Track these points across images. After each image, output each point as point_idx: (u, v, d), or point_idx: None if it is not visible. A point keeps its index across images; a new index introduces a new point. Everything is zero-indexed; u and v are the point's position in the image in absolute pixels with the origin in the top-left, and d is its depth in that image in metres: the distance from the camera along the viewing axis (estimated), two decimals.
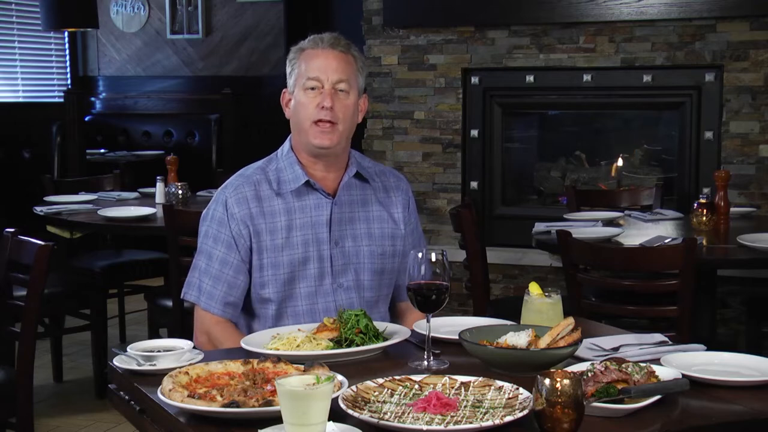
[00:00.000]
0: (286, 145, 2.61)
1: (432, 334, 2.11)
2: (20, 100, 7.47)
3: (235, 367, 1.92)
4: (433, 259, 2.09)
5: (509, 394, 1.77)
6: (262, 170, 2.56)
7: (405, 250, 2.61)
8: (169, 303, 4.21)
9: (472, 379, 1.85)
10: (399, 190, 2.66)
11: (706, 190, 5.13)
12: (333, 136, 2.50)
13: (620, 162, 5.89)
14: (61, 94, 6.85)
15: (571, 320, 2.04)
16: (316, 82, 2.49)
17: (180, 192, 4.59)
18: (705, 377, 1.91)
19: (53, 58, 7.82)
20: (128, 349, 2.07)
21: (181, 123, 7.47)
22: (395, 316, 2.68)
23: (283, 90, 2.59)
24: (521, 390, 1.77)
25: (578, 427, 1.58)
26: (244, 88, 7.20)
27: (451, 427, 1.62)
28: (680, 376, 1.86)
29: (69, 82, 7.86)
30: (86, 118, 7.30)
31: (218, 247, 2.50)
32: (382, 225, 2.60)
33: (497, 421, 1.63)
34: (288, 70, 2.58)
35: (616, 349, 2.12)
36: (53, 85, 7.81)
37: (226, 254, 2.49)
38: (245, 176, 2.56)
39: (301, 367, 1.88)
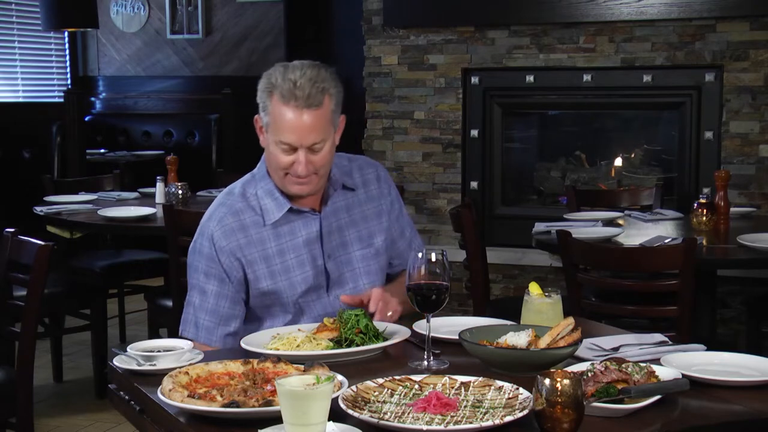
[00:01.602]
0: (262, 168, 2.52)
1: (432, 334, 2.11)
2: (20, 100, 7.47)
3: (235, 367, 1.92)
4: (433, 259, 2.09)
5: (509, 394, 1.77)
6: (242, 197, 2.48)
7: (394, 237, 2.63)
8: (169, 303, 4.21)
9: (472, 379, 1.85)
10: (378, 181, 2.62)
11: (706, 190, 5.13)
12: (310, 185, 2.42)
13: (620, 162, 5.89)
14: (61, 94, 6.85)
15: (571, 320, 2.04)
16: (289, 146, 2.37)
17: (180, 192, 4.59)
18: (705, 377, 1.91)
19: (53, 58, 7.82)
20: (128, 349, 2.07)
21: (181, 123, 7.46)
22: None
23: (256, 116, 2.46)
24: (521, 390, 1.77)
25: (578, 427, 1.58)
26: (244, 88, 7.14)
27: (451, 427, 1.62)
28: (680, 376, 1.86)
29: (69, 82, 7.86)
30: (86, 118, 7.30)
31: (210, 281, 2.44)
32: (369, 224, 2.58)
33: (497, 421, 1.63)
34: (259, 98, 2.42)
35: (616, 349, 2.12)
36: (53, 85, 7.80)
37: (220, 288, 2.44)
38: (227, 206, 2.48)
39: (301, 367, 1.88)
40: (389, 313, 2.35)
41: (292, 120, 2.34)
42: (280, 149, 2.38)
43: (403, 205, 2.72)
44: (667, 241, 3.53)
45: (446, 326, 2.29)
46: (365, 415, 1.67)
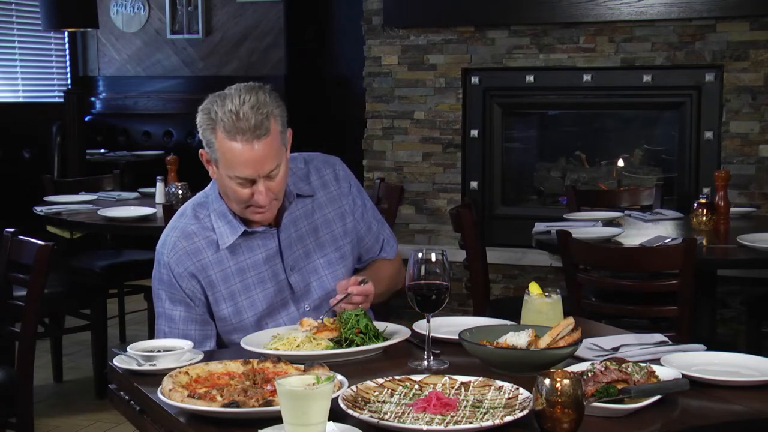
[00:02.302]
0: (214, 190, 2.42)
1: (432, 334, 2.11)
2: (20, 100, 7.47)
3: (235, 367, 1.92)
4: (433, 259, 2.09)
5: (509, 394, 1.77)
6: (195, 218, 2.40)
7: (361, 234, 2.56)
8: None
9: (472, 379, 1.85)
10: (337, 181, 2.52)
11: (706, 190, 5.13)
12: (271, 211, 2.35)
13: (620, 162, 5.89)
14: (61, 94, 6.85)
15: (571, 320, 2.04)
16: (245, 179, 2.27)
17: (180, 192, 4.58)
18: (705, 377, 1.91)
19: (53, 58, 7.82)
20: (128, 349, 2.07)
21: (181, 123, 7.46)
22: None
23: (201, 150, 2.33)
24: (521, 390, 1.77)
25: (578, 427, 1.58)
26: None
27: (451, 427, 1.62)
28: (680, 376, 1.86)
29: (69, 82, 7.86)
30: (86, 118, 7.30)
31: (176, 307, 2.37)
32: (331, 228, 2.49)
33: (497, 421, 1.63)
34: (201, 134, 2.29)
35: (616, 349, 2.11)
36: (53, 85, 7.80)
37: (187, 312, 2.37)
38: (179, 229, 2.39)
39: (301, 367, 1.88)
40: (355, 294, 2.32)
41: (243, 154, 2.23)
42: (236, 183, 2.28)
43: (367, 197, 2.61)
44: (667, 241, 3.53)
45: (446, 326, 2.29)
46: (365, 415, 1.67)
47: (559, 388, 1.56)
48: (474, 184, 5.77)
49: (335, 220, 2.50)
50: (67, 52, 7.89)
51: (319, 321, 2.24)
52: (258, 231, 2.39)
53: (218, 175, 2.33)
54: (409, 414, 1.68)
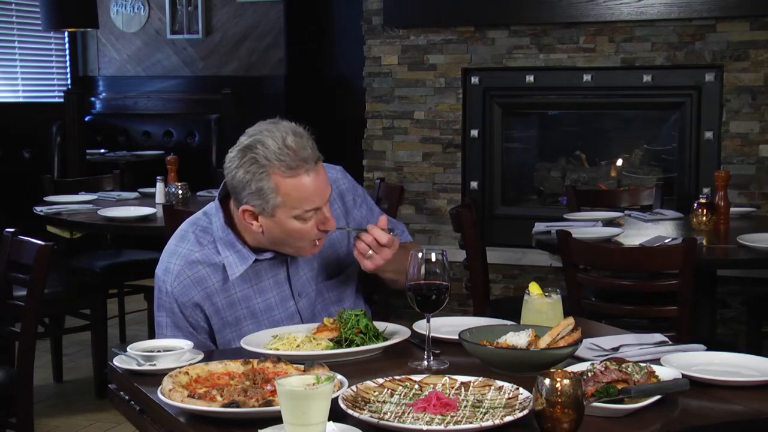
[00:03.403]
0: (219, 218, 2.32)
1: (432, 334, 2.11)
2: (20, 100, 7.47)
3: (235, 367, 1.92)
4: (433, 259, 2.09)
5: (509, 394, 1.77)
6: (198, 245, 2.32)
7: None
8: None
9: (472, 379, 1.85)
10: (342, 198, 2.46)
11: (706, 190, 5.13)
12: (323, 240, 2.30)
13: (620, 162, 5.89)
14: (61, 94, 6.85)
15: (571, 320, 2.04)
16: (312, 212, 2.20)
17: (180, 192, 4.59)
18: (705, 377, 1.91)
19: (53, 58, 7.82)
20: (128, 349, 2.07)
21: (181, 123, 7.47)
22: None
23: (242, 208, 2.21)
24: (521, 390, 1.77)
25: (578, 427, 1.58)
26: (244, 88, 7.20)
27: (451, 427, 1.62)
28: (680, 376, 1.86)
29: (69, 82, 7.86)
30: (86, 118, 7.30)
31: (178, 335, 2.30)
32: (335, 248, 2.45)
33: (497, 421, 1.63)
34: (251, 188, 2.17)
35: (616, 349, 2.11)
36: (53, 85, 7.80)
37: (190, 338, 2.27)
38: (182, 257, 2.31)
39: (301, 367, 1.88)
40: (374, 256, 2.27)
41: (312, 184, 2.16)
42: (300, 221, 2.19)
43: (371, 201, 2.57)
44: (667, 241, 3.53)
45: (446, 326, 2.29)
46: (365, 415, 1.67)
47: (559, 388, 1.56)
48: (474, 184, 5.77)
49: (340, 240, 2.47)
50: (67, 52, 7.89)
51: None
52: (267, 258, 2.33)
53: (273, 224, 2.21)
54: (409, 414, 1.68)
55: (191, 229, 2.37)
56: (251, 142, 2.19)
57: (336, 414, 1.66)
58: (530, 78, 5.58)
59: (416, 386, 1.83)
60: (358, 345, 2.13)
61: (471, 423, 1.64)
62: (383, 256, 2.30)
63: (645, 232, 3.83)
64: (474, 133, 5.74)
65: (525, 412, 1.66)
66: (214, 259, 2.31)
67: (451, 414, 1.68)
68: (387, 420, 1.66)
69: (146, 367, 2.02)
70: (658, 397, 1.78)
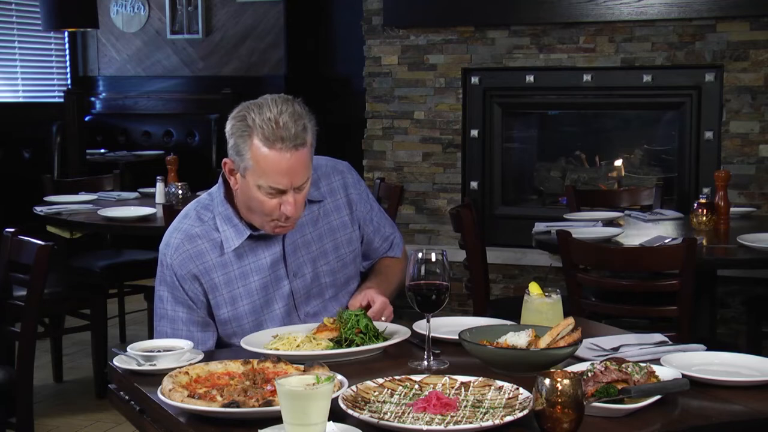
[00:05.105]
0: (219, 193, 2.39)
1: (432, 334, 2.11)
2: (20, 100, 7.47)
3: (235, 367, 1.92)
4: (433, 259, 2.09)
5: (509, 394, 1.77)
6: (199, 220, 2.37)
7: (369, 237, 2.57)
8: None
9: (472, 379, 1.85)
10: (345, 189, 2.52)
11: (706, 190, 5.13)
12: (291, 226, 2.33)
13: (620, 162, 5.89)
14: (61, 94, 6.85)
15: (571, 320, 2.04)
16: (276, 190, 2.24)
17: (180, 192, 4.59)
18: (705, 377, 1.91)
19: (53, 58, 7.82)
20: (128, 349, 2.07)
21: (181, 123, 7.46)
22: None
23: (224, 160, 2.32)
24: (521, 390, 1.77)
25: (578, 427, 1.58)
26: (244, 88, 7.19)
27: (451, 427, 1.62)
28: (680, 376, 1.87)
29: (69, 82, 7.86)
30: (86, 118, 7.30)
31: (178, 309, 2.36)
32: (336, 236, 2.48)
33: (497, 421, 1.63)
34: (232, 143, 2.26)
35: (616, 349, 2.12)
36: (53, 85, 7.80)
37: (189, 314, 2.36)
38: (182, 231, 2.37)
39: (301, 367, 1.88)
40: (383, 318, 2.33)
41: (280, 163, 2.20)
42: (264, 194, 2.25)
43: (373, 199, 2.61)
44: (667, 241, 3.53)
45: (446, 326, 2.29)
46: (365, 415, 1.67)
47: (559, 388, 1.56)
48: (474, 184, 5.77)
49: (340, 229, 2.50)
50: (67, 52, 7.89)
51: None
52: (263, 235, 2.37)
53: (243, 185, 2.28)
54: (409, 414, 1.68)
55: (194, 207, 2.43)
56: (252, 103, 2.28)
57: (336, 414, 1.66)
58: (530, 78, 5.58)
59: (416, 386, 1.83)
60: (358, 345, 2.14)
61: (471, 423, 1.64)
62: (389, 319, 2.36)
63: (645, 232, 3.83)
64: (474, 133, 5.74)
65: (525, 412, 1.66)
66: (212, 235, 2.36)
67: (451, 414, 1.68)
68: (387, 420, 1.66)
69: (146, 367, 2.02)
70: (658, 397, 1.78)
